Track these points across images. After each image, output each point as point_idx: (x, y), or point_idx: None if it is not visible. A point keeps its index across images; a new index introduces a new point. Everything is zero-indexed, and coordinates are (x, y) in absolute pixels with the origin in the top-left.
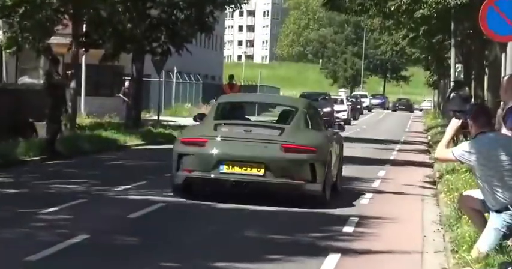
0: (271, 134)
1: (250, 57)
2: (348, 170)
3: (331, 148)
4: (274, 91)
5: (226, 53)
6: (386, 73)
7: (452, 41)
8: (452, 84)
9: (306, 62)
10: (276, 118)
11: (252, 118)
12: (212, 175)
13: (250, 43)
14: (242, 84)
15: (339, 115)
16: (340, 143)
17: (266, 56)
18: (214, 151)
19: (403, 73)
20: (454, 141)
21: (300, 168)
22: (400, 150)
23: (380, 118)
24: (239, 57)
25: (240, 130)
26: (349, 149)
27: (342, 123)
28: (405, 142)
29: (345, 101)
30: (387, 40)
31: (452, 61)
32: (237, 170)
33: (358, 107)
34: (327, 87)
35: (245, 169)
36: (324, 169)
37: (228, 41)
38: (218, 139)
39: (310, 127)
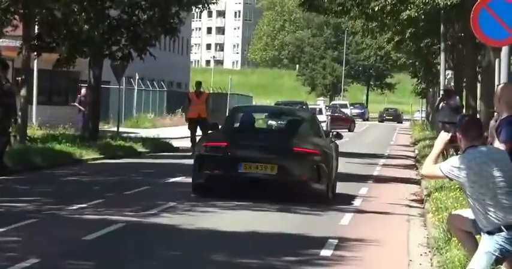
0: (282, 139)
1: (219, 62)
2: None
3: (332, 153)
4: (247, 100)
5: (193, 57)
6: (369, 80)
7: (442, 45)
8: (441, 92)
9: (281, 68)
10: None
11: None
12: (233, 174)
13: (220, 47)
14: (211, 92)
15: None
16: (337, 150)
17: (237, 61)
18: (234, 153)
19: (388, 80)
20: (444, 155)
21: (307, 169)
22: (384, 165)
23: (363, 130)
24: (207, 62)
25: (256, 135)
26: None
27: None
28: (390, 156)
29: (324, 110)
30: (370, 44)
31: (441, 67)
32: (253, 170)
33: (357, 116)
34: (304, 96)
35: (260, 168)
36: (327, 170)
37: (196, 45)
38: (237, 143)
39: (314, 134)
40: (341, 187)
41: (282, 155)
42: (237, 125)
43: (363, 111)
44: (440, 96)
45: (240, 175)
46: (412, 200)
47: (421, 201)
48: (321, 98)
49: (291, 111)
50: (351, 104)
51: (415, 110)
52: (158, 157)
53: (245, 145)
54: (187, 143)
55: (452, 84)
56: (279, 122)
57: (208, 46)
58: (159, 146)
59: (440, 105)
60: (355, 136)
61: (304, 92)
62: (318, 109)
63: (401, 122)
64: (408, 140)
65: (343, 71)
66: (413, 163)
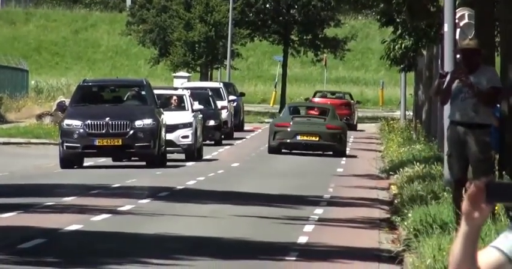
0: (320, 120)
1: None
2: None
3: (347, 129)
4: (14, 77)
5: None
6: (287, 31)
7: None
8: (449, 55)
9: (92, 8)
10: None
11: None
12: (293, 141)
13: None
14: None
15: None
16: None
17: None
18: (294, 129)
19: (330, 32)
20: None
21: (335, 136)
22: (321, 223)
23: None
24: None
25: (305, 119)
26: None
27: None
28: (334, 202)
29: (189, 106)
30: None
31: (447, 1)
32: (305, 138)
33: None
34: (144, 71)
35: (309, 137)
36: (346, 138)
37: None
38: (295, 123)
39: (336, 118)
40: None
41: (321, 130)
42: (292, 114)
43: (235, 103)
44: (440, 70)
45: (297, 141)
46: None
47: None
48: (182, 73)
49: (324, 105)
50: (228, 88)
51: (394, 99)
52: None
53: (300, 124)
54: None
55: (470, 39)
56: (316, 111)
57: None
58: None
59: (455, 84)
60: (260, 156)
61: (145, 60)
62: (173, 99)
63: (356, 128)
64: (376, 164)
65: (230, 11)
66: (388, 217)
